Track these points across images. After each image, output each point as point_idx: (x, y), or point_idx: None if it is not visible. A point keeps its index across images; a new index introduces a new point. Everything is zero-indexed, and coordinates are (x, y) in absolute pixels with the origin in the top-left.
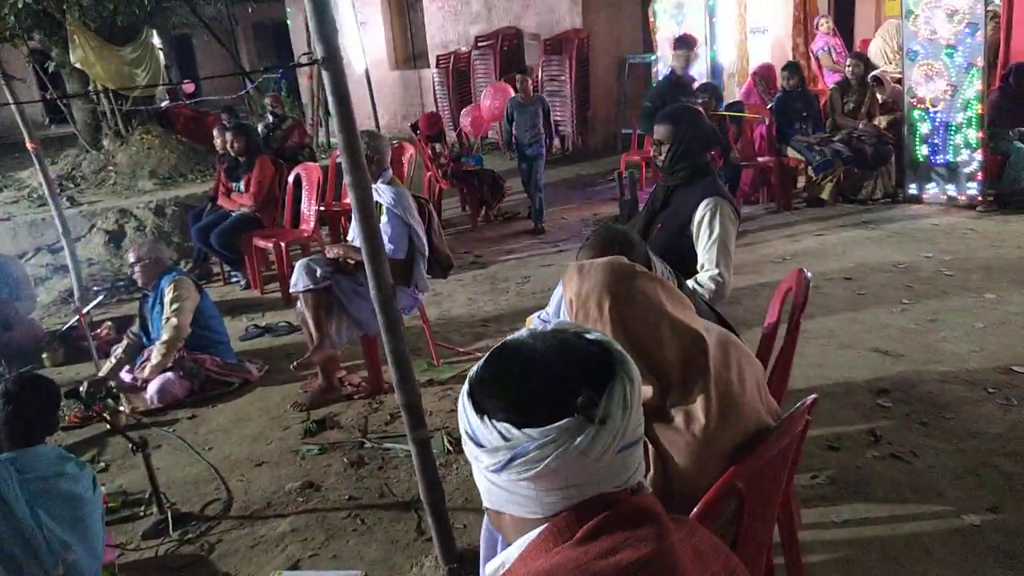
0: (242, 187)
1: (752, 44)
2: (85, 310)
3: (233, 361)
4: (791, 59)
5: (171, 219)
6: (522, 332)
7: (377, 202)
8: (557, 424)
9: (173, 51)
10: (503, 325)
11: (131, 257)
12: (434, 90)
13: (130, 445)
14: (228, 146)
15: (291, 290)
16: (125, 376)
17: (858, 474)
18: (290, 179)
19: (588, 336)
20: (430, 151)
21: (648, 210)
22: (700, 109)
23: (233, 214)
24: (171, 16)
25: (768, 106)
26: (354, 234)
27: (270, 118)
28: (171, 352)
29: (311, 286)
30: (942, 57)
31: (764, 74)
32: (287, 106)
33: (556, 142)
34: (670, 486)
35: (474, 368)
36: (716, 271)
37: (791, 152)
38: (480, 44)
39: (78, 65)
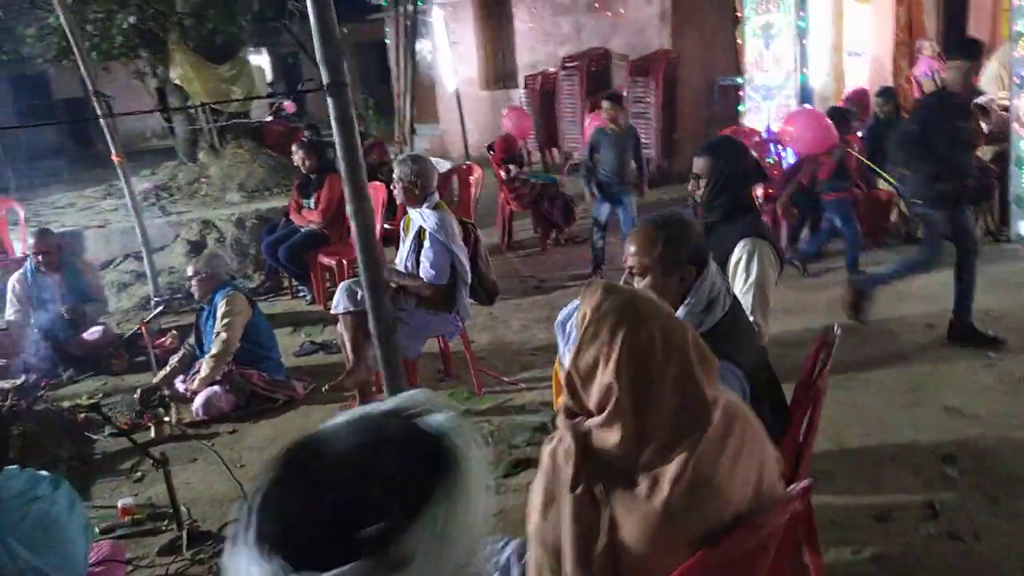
0: (312, 204)
1: (849, 67)
2: (146, 319)
3: (281, 377)
4: (890, 84)
5: (250, 232)
6: (339, 419)
7: (420, 227)
8: (338, 570)
9: (281, 70)
10: (553, 355)
11: (189, 270)
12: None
13: (152, 461)
14: (300, 163)
15: (332, 311)
16: (179, 386)
17: (907, 553)
18: None
19: (426, 424)
20: (503, 173)
21: None
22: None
23: (302, 230)
24: (275, 37)
25: (859, 133)
26: (401, 258)
27: None
28: (219, 366)
29: (351, 308)
30: None
31: (856, 100)
32: (374, 124)
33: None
34: (619, 565)
35: (262, 475)
36: (751, 319)
37: (883, 184)
38: (567, 65)
39: (177, 81)
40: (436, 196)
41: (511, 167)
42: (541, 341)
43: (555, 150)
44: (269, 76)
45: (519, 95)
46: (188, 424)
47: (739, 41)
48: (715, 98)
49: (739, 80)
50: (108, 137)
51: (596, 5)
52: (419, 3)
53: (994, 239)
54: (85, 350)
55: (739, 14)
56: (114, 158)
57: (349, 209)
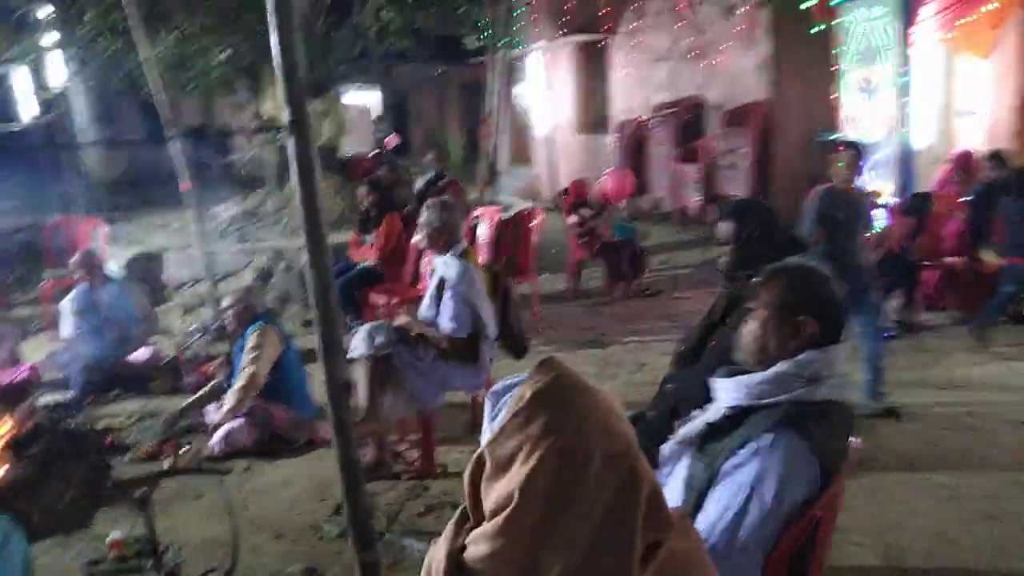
0: (371, 240)
1: (959, 127)
2: (184, 346)
3: (307, 416)
4: (1012, 145)
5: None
6: None
7: (442, 276)
8: None
9: (391, 106)
10: None
11: (225, 302)
12: (612, 156)
13: (134, 498)
14: (362, 200)
15: (348, 355)
16: (212, 415)
17: None
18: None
19: None
20: (575, 219)
21: (706, 320)
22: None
23: (358, 266)
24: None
25: (965, 199)
26: (423, 306)
27: (430, 174)
28: (244, 399)
29: (367, 353)
30: None
31: (961, 164)
32: (459, 165)
33: None
34: None
35: None
36: None
37: (989, 255)
38: (660, 112)
39: (269, 114)
40: (463, 245)
41: (582, 212)
42: None
43: (644, 197)
44: (379, 111)
45: (611, 140)
46: (207, 456)
47: (835, 95)
48: (814, 154)
49: (827, 136)
50: (177, 167)
51: (693, 53)
52: (519, 46)
53: None
54: (131, 371)
55: (835, 66)
56: (182, 187)
57: (307, 263)
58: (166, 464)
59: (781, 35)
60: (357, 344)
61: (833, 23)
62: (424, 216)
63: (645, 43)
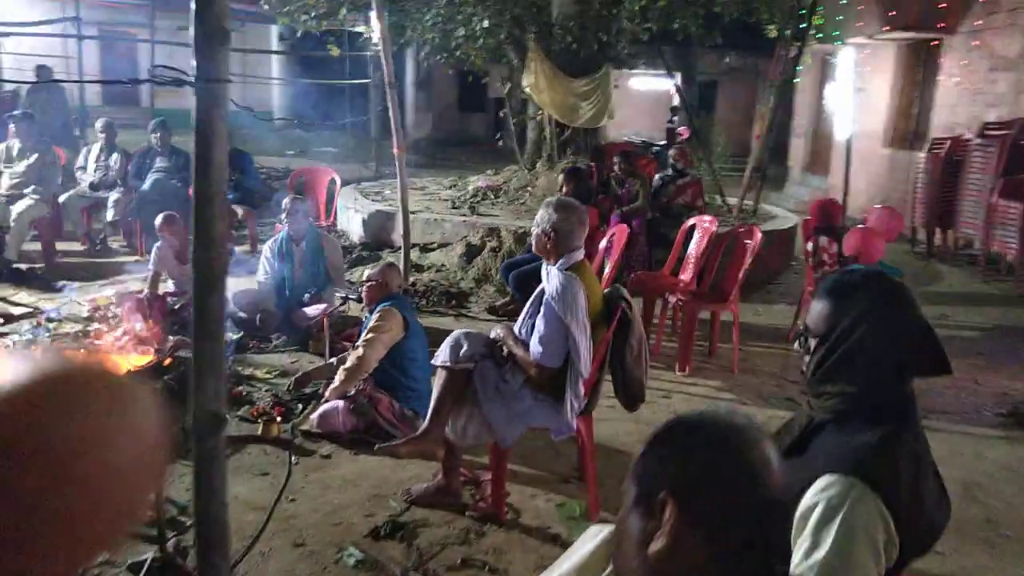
0: None
1: None
2: (329, 311)
3: (416, 412)
4: None
5: (527, 248)
6: None
7: (541, 288)
8: None
9: (695, 94)
10: None
11: (366, 274)
12: (917, 177)
13: None
14: (559, 188)
15: (432, 360)
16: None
17: None
18: (603, 243)
19: None
20: (810, 245)
21: (788, 442)
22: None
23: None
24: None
25: None
26: (519, 319)
27: (670, 171)
28: (351, 379)
29: (448, 363)
30: None
31: None
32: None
33: None
34: None
35: None
36: None
37: None
38: (987, 132)
39: (527, 90)
40: (576, 257)
41: (823, 239)
42: None
43: (948, 232)
44: (676, 100)
45: (922, 159)
46: (303, 432)
47: None
48: None
49: None
50: (393, 131)
51: None
52: (838, 41)
53: None
54: (303, 324)
55: None
56: (395, 151)
57: (192, 256)
58: (259, 430)
59: None
60: (442, 350)
61: None
62: (538, 214)
63: (988, 45)
